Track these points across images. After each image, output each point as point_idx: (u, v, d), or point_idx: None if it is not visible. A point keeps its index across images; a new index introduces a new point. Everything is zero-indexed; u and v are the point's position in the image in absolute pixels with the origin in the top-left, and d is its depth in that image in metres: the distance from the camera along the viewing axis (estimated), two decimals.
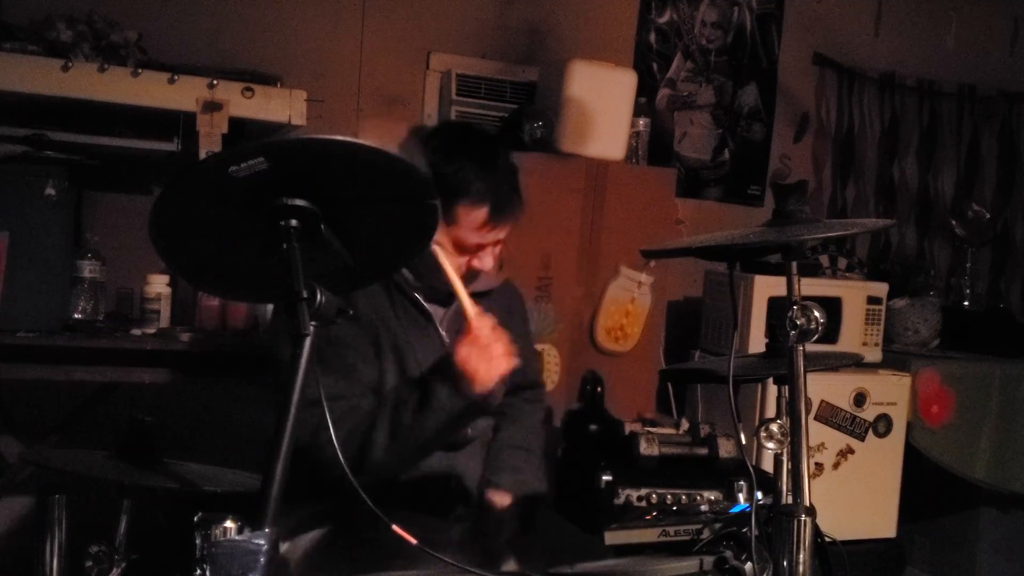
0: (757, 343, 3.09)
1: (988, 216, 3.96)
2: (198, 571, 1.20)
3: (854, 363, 3.01)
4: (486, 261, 1.94)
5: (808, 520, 1.35)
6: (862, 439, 3.24)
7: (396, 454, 1.78)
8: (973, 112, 4.26)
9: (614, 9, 3.66)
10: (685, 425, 2.67)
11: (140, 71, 2.53)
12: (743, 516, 1.59)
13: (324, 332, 1.21)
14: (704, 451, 2.55)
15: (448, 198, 1.84)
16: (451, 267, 1.83)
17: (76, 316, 2.58)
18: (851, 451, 3.24)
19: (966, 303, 3.91)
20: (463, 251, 1.91)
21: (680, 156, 3.81)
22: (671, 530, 2.40)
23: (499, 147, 2.00)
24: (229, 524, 1.19)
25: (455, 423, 1.81)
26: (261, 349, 2.57)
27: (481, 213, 1.87)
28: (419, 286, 1.97)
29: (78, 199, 2.67)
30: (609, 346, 3.06)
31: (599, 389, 2.73)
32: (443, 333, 2.00)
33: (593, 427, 2.69)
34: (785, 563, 1.35)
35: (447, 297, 2.02)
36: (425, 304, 1.97)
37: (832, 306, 3.23)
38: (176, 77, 2.55)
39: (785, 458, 1.54)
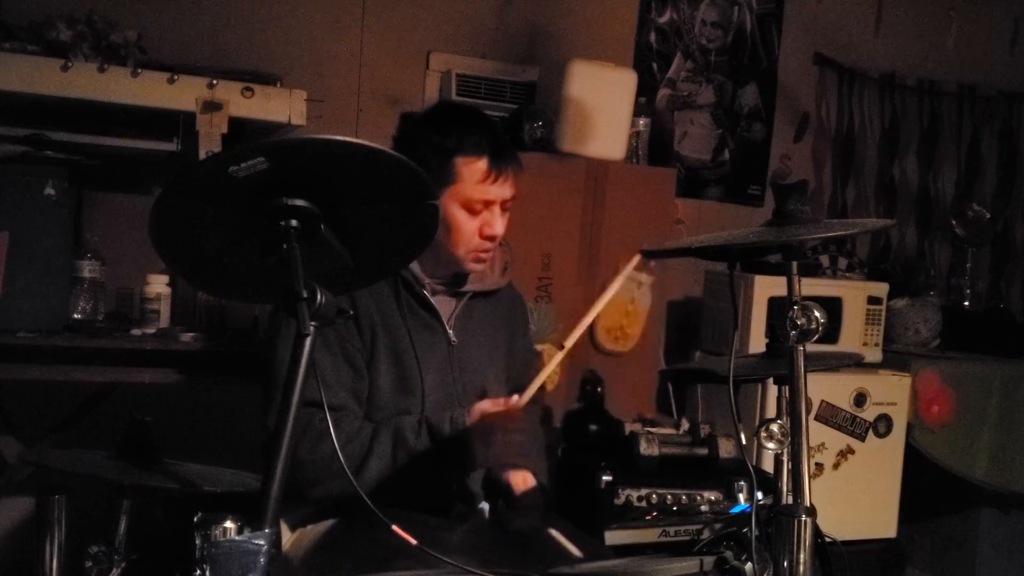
0: (757, 343, 3.09)
1: (988, 216, 3.96)
2: (198, 571, 1.20)
3: (854, 363, 3.02)
4: (496, 226, 1.95)
5: (808, 520, 1.34)
6: (862, 439, 3.24)
7: (384, 488, 1.81)
8: (973, 112, 4.26)
9: (614, 9, 3.66)
10: (685, 425, 2.67)
11: (140, 71, 2.53)
12: (743, 516, 1.59)
13: (320, 334, 1.21)
14: (704, 451, 2.55)
15: (447, 158, 1.90)
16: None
17: (76, 316, 2.58)
18: (851, 451, 3.24)
19: (966, 303, 3.91)
20: (472, 212, 1.93)
21: (680, 156, 3.81)
22: (671, 530, 2.41)
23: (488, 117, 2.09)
24: (229, 524, 1.19)
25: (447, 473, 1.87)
26: (261, 349, 2.57)
27: (481, 164, 1.91)
28: (428, 280, 1.98)
29: (78, 199, 2.67)
30: (609, 346, 3.06)
31: (599, 389, 2.73)
32: (450, 332, 2.00)
33: (593, 427, 2.69)
34: (785, 563, 1.34)
35: (458, 291, 2.03)
36: (433, 300, 1.98)
37: (832, 306, 3.23)
38: (176, 77, 2.55)
39: (785, 458, 1.54)
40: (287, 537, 1.92)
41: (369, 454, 1.81)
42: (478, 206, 1.93)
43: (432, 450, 1.83)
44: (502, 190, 1.95)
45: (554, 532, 1.94)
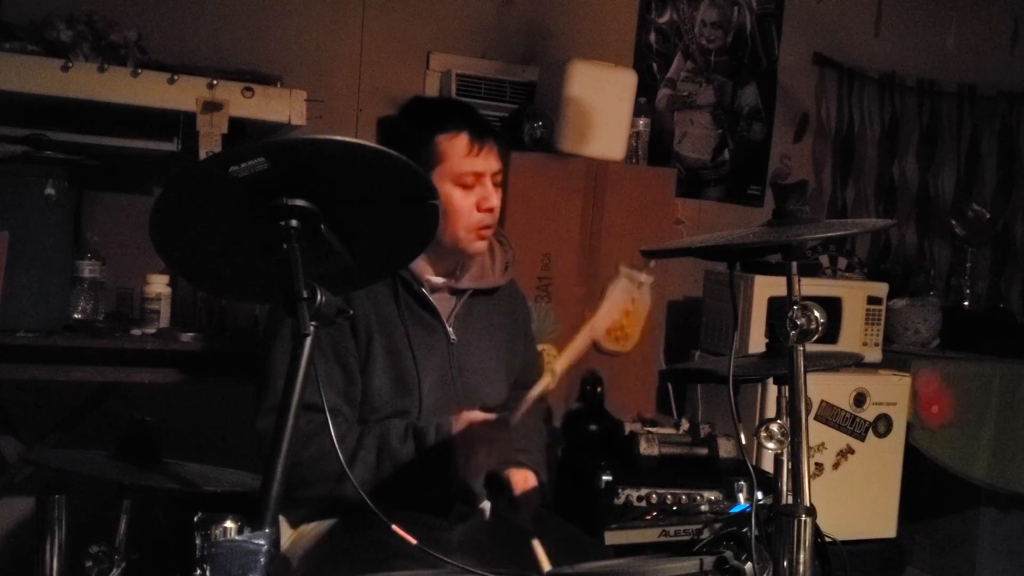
0: (757, 343, 3.09)
1: (988, 216, 3.96)
2: (198, 571, 1.20)
3: (854, 363, 3.02)
4: (492, 198, 1.97)
5: (808, 520, 1.34)
6: (862, 439, 3.24)
7: (370, 490, 1.80)
8: (973, 112, 4.26)
9: (614, 9, 3.66)
10: (685, 425, 2.67)
11: (140, 71, 2.53)
12: (743, 516, 1.59)
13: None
14: (704, 451, 2.55)
15: (428, 139, 1.94)
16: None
17: (76, 316, 2.58)
18: (851, 451, 3.24)
19: (966, 303, 3.91)
20: (466, 187, 1.95)
21: (680, 156, 3.81)
22: (671, 530, 2.40)
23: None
24: (229, 524, 1.19)
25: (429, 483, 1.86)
26: (259, 349, 2.57)
27: (463, 137, 1.94)
28: (427, 278, 1.98)
29: (78, 199, 2.67)
30: (609, 346, 3.06)
31: (599, 389, 2.73)
32: (450, 330, 2.00)
33: (593, 427, 2.69)
34: (785, 563, 1.34)
35: (458, 288, 2.03)
36: (431, 298, 1.98)
37: (832, 306, 3.24)
38: (176, 77, 2.55)
39: (785, 458, 1.54)
40: (287, 536, 1.92)
41: (354, 459, 1.81)
42: (469, 179, 1.95)
43: (416, 457, 1.83)
44: (488, 162, 1.97)
45: (536, 544, 1.93)
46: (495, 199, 1.98)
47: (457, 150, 1.94)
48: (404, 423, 1.89)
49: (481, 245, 2.01)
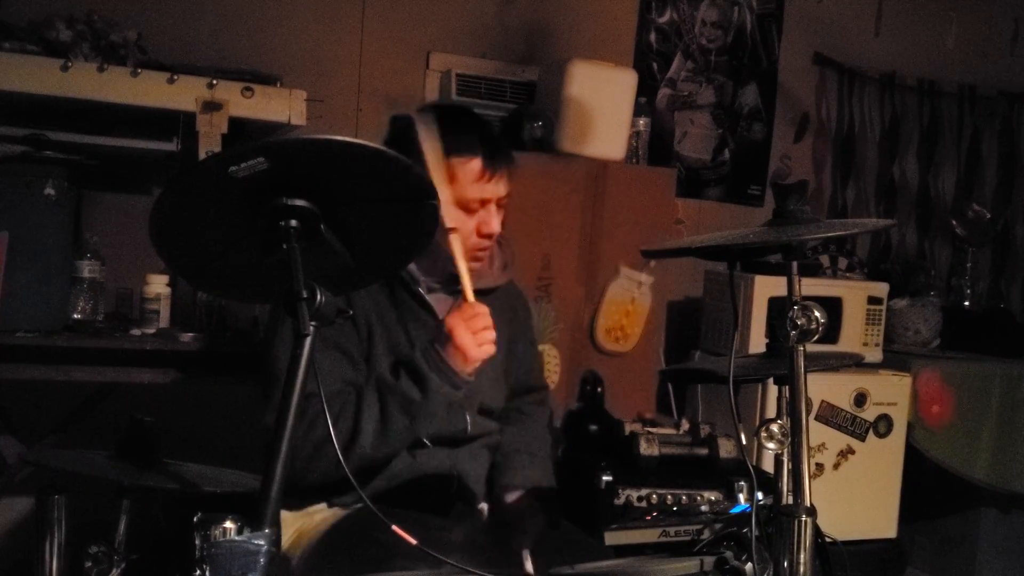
0: (757, 343, 3.09)
1: (988, 216, 3.96)
2: (198, 571, 1.20)
3: (854, 363, 3.01)
4: (493, 224, 1.95)
5: (808, 520, 1.34)
6: (862, 439, 3.24)
7: (384, 443, 1.80)
8: (973, 112, 4.26)
9: (614, 9, 3.66)
10: (685, 425, 2.67)
11: (140, 71, 2.53)
12: (743, 516, 1.59)
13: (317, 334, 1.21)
14: (704, 451, 2.55)
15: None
16: (459, 250, 1.86)
17: (76, 316, 2.58)
18: (851, 451, 3.24)
19: (966, 303, 3.91)
20: (468, 210, 1.93)
21: (680, 156, 3.81)
22: (671, 530, 2.40)
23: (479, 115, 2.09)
24: (229, 524, 1.19)
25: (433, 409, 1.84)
26: (260, 347, 2.57)
27: (475, 163, 1.91)
28: (424, 279, 1.98)
29: (78, 199, 2.67)
30: (609, 346, 3.06)
31: (599, 389, 2.73)
32: None
33: (593, 427, 2.69)
34: (785, 563, 1.34)
35: (454, 288, 2.03)
36: (429, 298, 1.98)
37: (832, 306, 3.24)
38: (176, 77, 2.55)
39: (785, 458, 1.54)
40: (287, 534, 1.92)
41: (360, 411, 1.80)
42: (474, 205, 1.93)
43: (416, 386, 1.81)
44: (497, 188, 1.95)
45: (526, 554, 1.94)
46: (496, 224, 1.96)
47: (468, 175, 1.91)
48: (388, 363, 1.89)
49: (475, 265, 2.00)
